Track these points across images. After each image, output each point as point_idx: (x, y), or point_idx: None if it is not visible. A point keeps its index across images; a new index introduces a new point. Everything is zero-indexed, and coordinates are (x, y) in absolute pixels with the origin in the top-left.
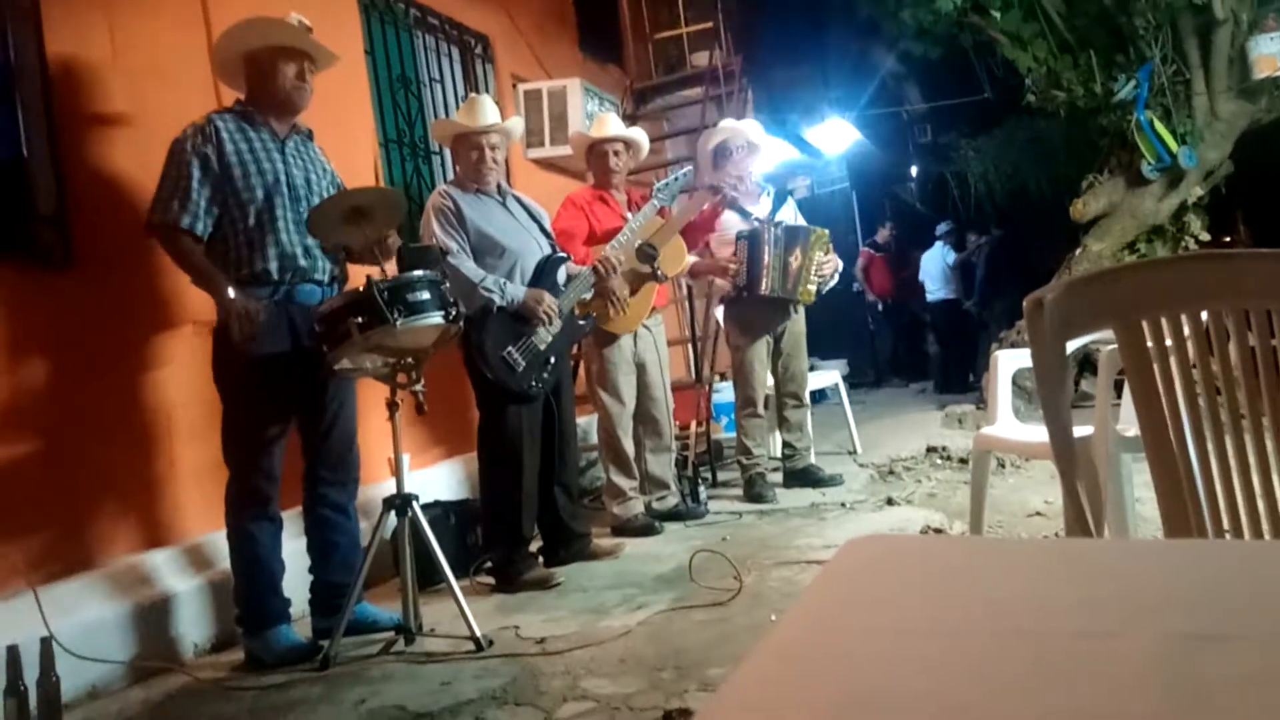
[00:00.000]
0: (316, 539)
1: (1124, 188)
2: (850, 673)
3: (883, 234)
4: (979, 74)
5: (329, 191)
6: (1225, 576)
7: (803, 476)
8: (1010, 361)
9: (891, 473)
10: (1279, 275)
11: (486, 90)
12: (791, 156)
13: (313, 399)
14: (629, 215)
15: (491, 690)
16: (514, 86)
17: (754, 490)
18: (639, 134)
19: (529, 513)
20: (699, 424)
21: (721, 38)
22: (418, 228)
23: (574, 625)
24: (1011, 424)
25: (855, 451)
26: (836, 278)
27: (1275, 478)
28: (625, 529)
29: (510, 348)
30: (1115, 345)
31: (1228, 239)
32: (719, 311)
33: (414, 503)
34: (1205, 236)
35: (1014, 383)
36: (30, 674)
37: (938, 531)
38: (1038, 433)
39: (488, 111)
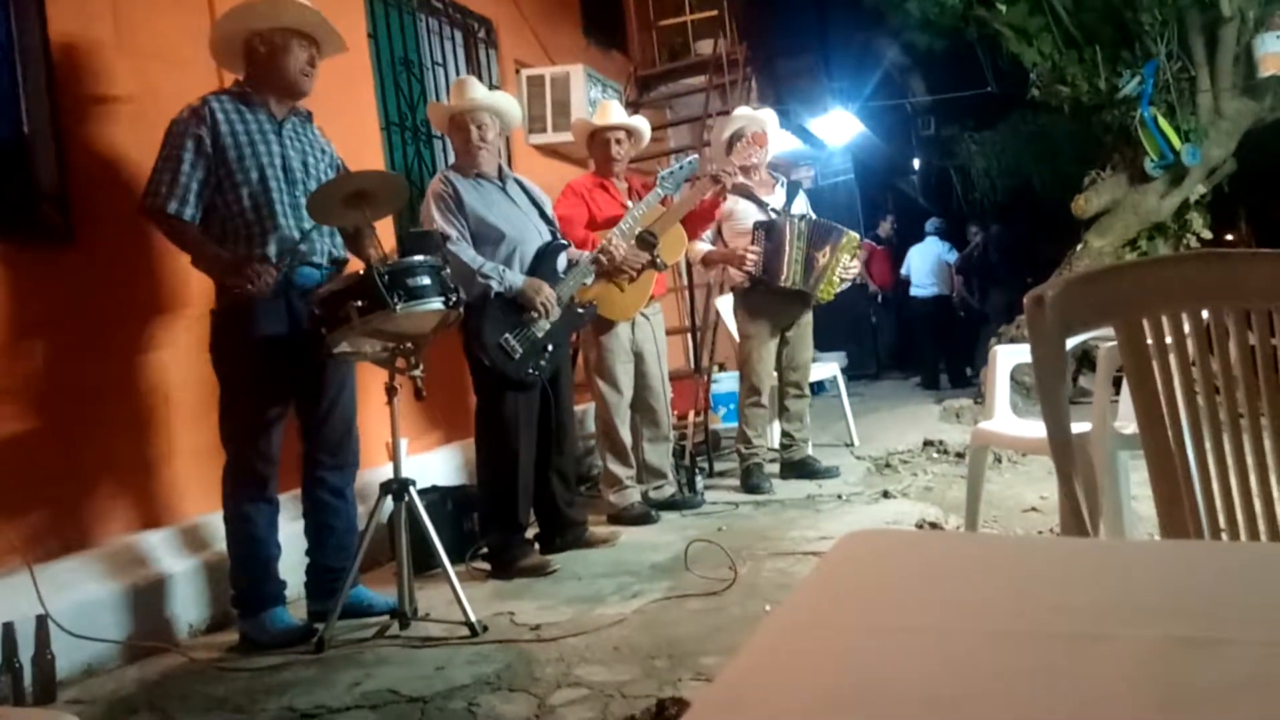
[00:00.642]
0: (313, 522)
1: (1126, 184)
2: (843, 667)
3: (884, 227)
4: (984, 67)
5: (327, 174)
6: (1221, 579)
7: (799, 468)
8: (1009, 357)
9: (888, 466)
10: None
11: (489, 75)
12: (795, 146)
13: (311, 382)
14: (630, 203)
15: (485, 676)
16: (517, 72)
17: (751, 480)
18: (641, 122)
19: (525, 500)
20: (697, 414)
21: (726, 26)
22: (419, 212)
23: (569, 612)
24: (1009, 419)
25: (852, 444)
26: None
27: (1273, 479)
28: (622, 518)
29: (508, 335)
30: (1114, 342)
31: (1229, 237)
32: (720, 302)
33: (411, 488)
34: (1207, 234)
35: (1012, 378)
36: (25, 651)
37: (933, 526)
38: (1035, 428)
39: (475, 91)
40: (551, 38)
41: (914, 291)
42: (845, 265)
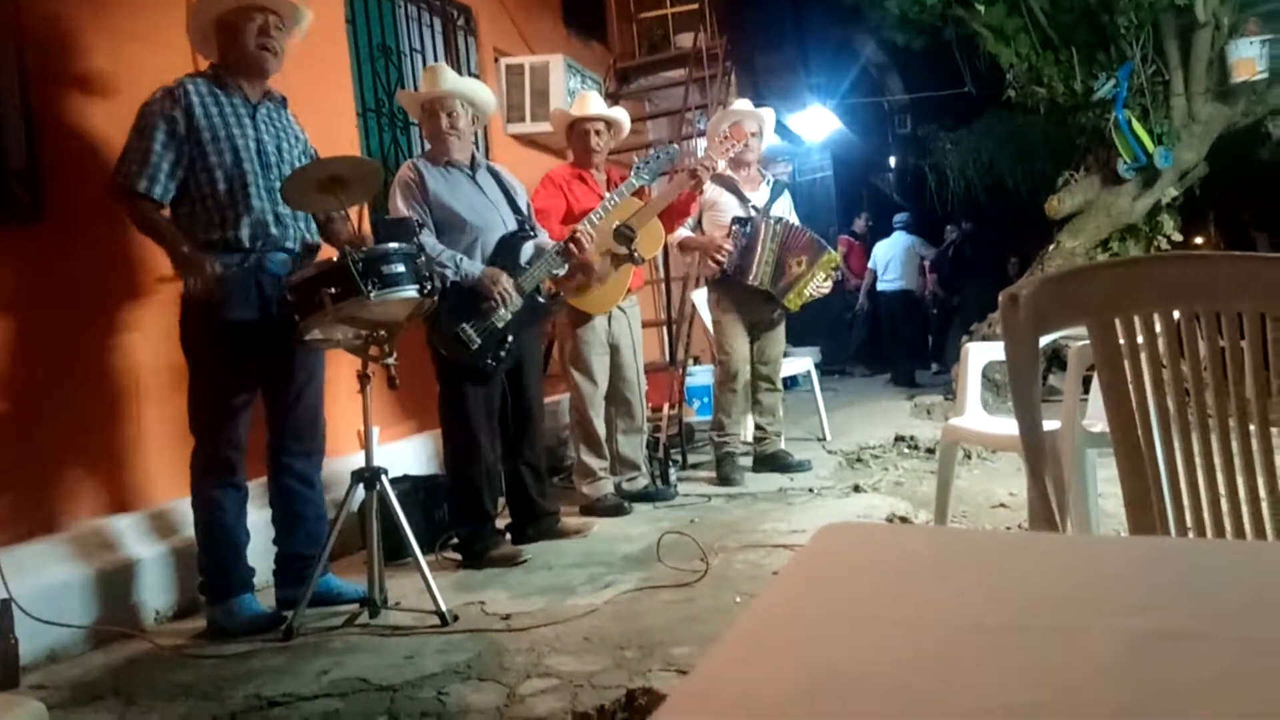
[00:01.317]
0: (281, 510)
1: (1099, 186)
2: (819, 659)
3: (859, 224)
4: (961, 67)
5: (301, 160)
6: (1194, 576)
7: (772, 461)
8: (981, 354)
9: (859, 460)
10: (1251, 278)
11: (468, 63)
12: (773, 142)
13: (280, 369)
14: (608, 195)
15: (455, 665)
16: (496, 60)
17: (724, 472)
18: (621, 114)
19: (491, 489)
20: (671, 406)
21: (706, 19)
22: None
23: (540, 602)
24: (980, 416)
25: (825, 438)
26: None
27: (1239, 478)
28: (594, 509)
29: (465, 324)
30: (1085, 341)
31: (1199, 240)
32: (696, 295)
33: (383, 476)
34: (1177, 237)
35: (983, 375)
36: None
37: (903, 520)
38: (1005, 425)
39: (447, 78)
40: (531, 27)
41: (880, 286)
42: (819, 284)
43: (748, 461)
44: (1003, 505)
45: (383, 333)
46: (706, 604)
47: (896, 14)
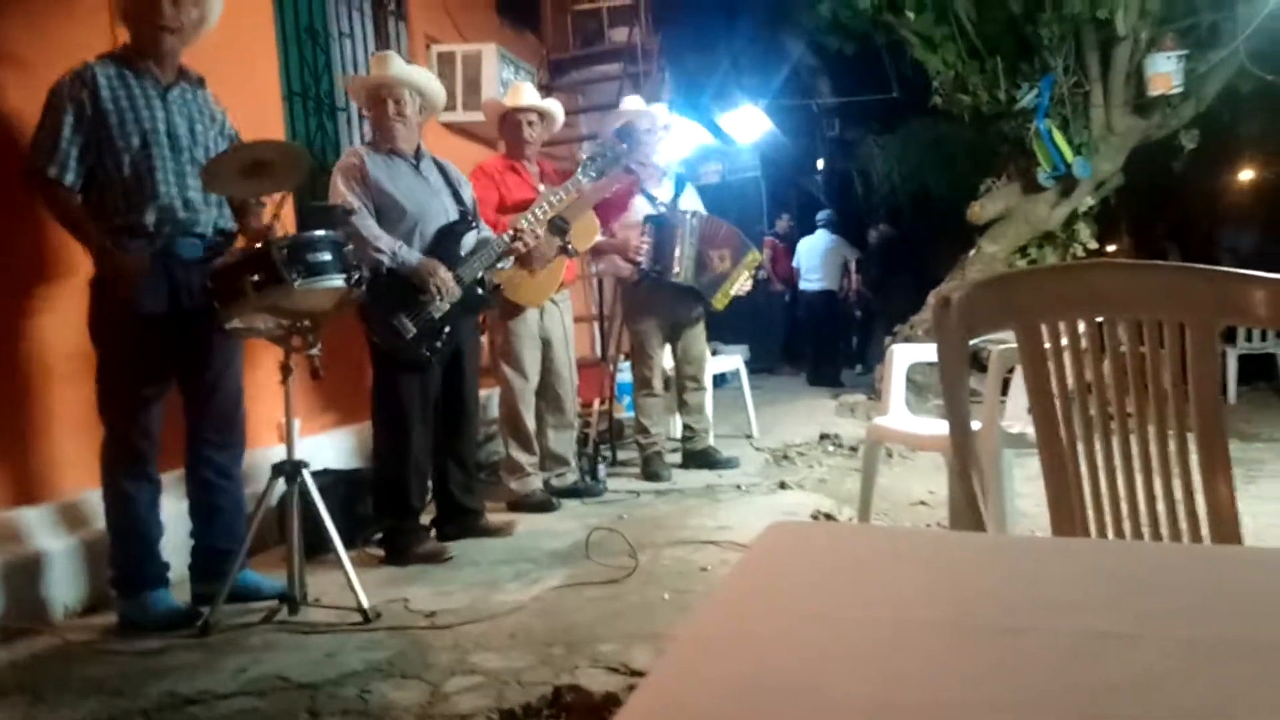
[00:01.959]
0: (198, 502)
1: (1020, 193)
2: (771, 657)
3: (781, 225)
4: (889, 73)
5: (217, 142)
6: (1136, 578)
7: (700, 458)
8: (906, 355)
9: (786, 458)
10: (1173, 287)
11: (399, 48)
12: (705, 141)
13: (194, 358)
14: (542, 187)
15: (377, 662)
16: (428, 47)
17: (650, 469)
18: (554, 105)
19: (418, 484)
20: (602, 402)
21: (640, 15)
22: (321, 186)
23: (465, 599)
24: (904, 416)
25: (752, 435)
26: None
27: (1158, 481)
28: (522, 505)
29: (402, 314)
30: (1005, 345)
31: (1112, 248)
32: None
33: (304, 470)
34: (1093, 244)
35: (906, 376)
36: None
37: (828, 517)
38: (927, 425)
39: (396, 65)
40: (464, 15)
41: (802, 285)
42: (742, 283)
43: (676, 458)
44: (923, 503)
45: (306, 323)
46: (634, 600)
47: (828, 18)
